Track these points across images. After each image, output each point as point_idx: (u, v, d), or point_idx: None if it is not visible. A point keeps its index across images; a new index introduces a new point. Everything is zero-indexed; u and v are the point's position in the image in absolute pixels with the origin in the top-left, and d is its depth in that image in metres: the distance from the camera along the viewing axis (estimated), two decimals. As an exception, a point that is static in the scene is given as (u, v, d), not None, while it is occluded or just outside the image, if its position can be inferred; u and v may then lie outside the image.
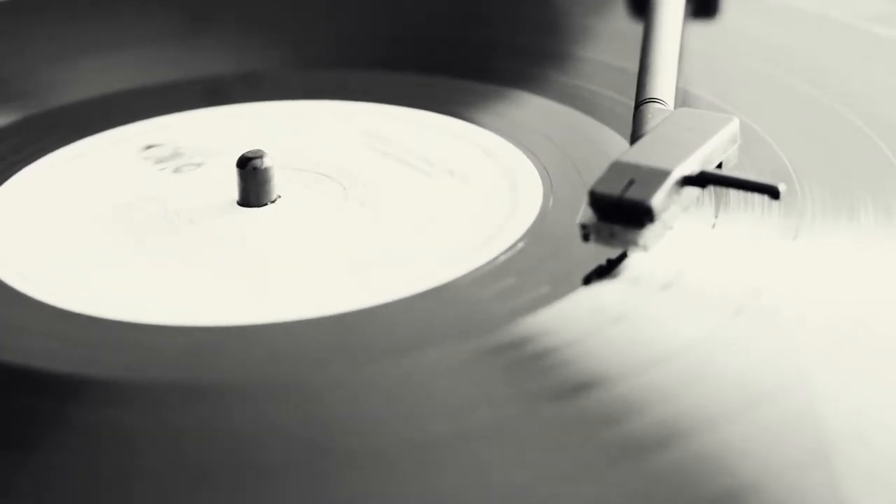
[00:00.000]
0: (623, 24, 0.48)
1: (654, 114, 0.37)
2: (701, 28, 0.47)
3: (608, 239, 0.33)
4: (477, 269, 0.34)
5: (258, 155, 0.38)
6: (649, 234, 0.33)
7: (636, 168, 0.34)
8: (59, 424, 0.30)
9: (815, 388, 0.30)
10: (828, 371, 0.31)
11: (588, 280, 0.33)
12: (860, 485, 0.27)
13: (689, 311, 0.33)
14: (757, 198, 0.36)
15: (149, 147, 0.42)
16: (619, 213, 0.33)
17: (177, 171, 0.40)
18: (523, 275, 0.34)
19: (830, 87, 0.42)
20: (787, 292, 0.33)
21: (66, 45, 0.48)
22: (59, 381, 0.31)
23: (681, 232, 0.35)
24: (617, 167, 0.34)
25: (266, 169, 0.38)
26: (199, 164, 0.41)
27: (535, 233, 0.36)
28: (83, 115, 0.44)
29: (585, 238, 0.33)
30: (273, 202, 0.38)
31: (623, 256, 0.34)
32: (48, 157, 0.41)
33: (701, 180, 0.34)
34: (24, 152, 0.42)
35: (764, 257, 0.34)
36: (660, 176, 0.33)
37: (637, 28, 0.44)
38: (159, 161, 0.41)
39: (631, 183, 0.33)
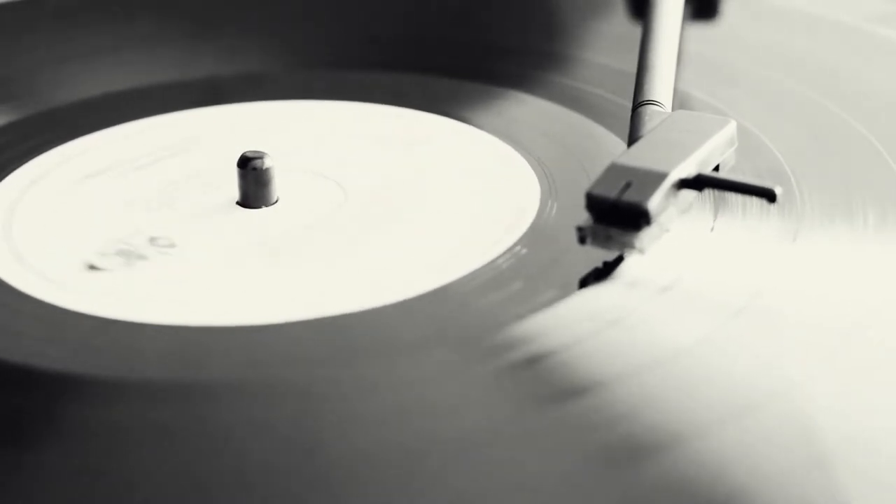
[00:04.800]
0: (622, 26, 0.48)
1: (651, 116, 0.37)
2: (699, 29, 0.47)
3: (605, 241, 0.33)
4: (475, 272, 0.34)
5: (258, 155, 0.38)
6: (646, 236, 0.33)
7: (633, 170, 0.34)
8: (56, 423, 0.30)
9: (814, 390, 0.30)
10: (827, 373, 0.31)
11: (584, 283, 0.34)
12: (859, 486, 0.27)
13: (687, 314, 0.33)
14: (755, 200, 0.36)
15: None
16: (616, 216, 0.33)
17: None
18: (521, 277, 0.34)
19: (828, 88, 0.42)
20: (786, 295, 0.33)
21: (66, 46, 0.48)
22: (55, 380, 0.31)
23: (679, 235, 0.35)
24: (614, 169, 0.34)
25: (266, 169, 0.38)
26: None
27: (534, 235, 0.36)
28: (83, 115, 0.44)
29: (582, 240, 0.33)
30: (273, 203, 0.38)
31: (620, 259, 0.34)
32: (47, 155, 0.41)
33: (698, 183, 0.34)
34: (25, 150, 0.42)
35: (762, 260, 0.34)
36: (657, 178, 0.33)
37: (636, 30, 0.44)
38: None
39: (628, 185, 0.33)
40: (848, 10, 0.48)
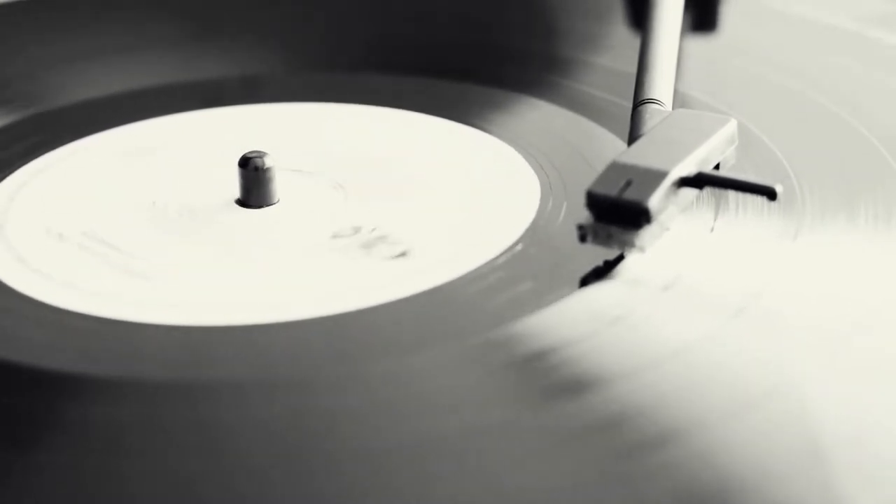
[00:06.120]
0: (622, 28, 0.48)
1: (652, 114, 0.37)
2: (699, 33, 0.48)
3: (605, 240, 0.33)
4: (475, 271, 0.34)
5: (259, 155, 0.38)
6: (646, 235, 0.33)
7: (634, 169, 0.34)
8: (56, 423, 0.30)
9: (814, 389, 0.30)
10: (827, 372, 0.31)
11: (585, 281, 0.34)
12: (859, 485, 0.27)
13: (688, 313, 0.33)
14: (756, 199, 0.36)
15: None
16: (617, 214, 0.33)
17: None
18: (522, 276, 0.34)
19: (828, 88, 0.42)
20: (787, 293, 0.33)
21: (67, 48, 0.48)
22: (55, 380, 0.31)
23: (680, 233, 0.35)
24: (614, 168, 0.34)
25: (267, 169, 0.38)
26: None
27: (534, 234, 0.36)
28: (83, 116, 0.44)
29: (582, 239, 0.33)
30: (273, 203, 0.38)
31: (620, 258, 0.34)
32: (48, 155, 0.41)
33: (698, 181, 0.34)
34: (24, 151, 0.42)
35: (763, 258, 0.35)
36: (657, 177, 0.33)
37: (636, 32, 0.44)
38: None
39: (628, 184, 0.33)
40: (847, 10, 0.48)
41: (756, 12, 0.49)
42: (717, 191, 0.36)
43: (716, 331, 0.32)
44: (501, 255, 0.35)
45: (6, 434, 0.30)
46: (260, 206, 0.38)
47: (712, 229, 0.36)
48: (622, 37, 0.47)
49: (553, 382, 0.30)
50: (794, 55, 0.45)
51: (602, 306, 0.33)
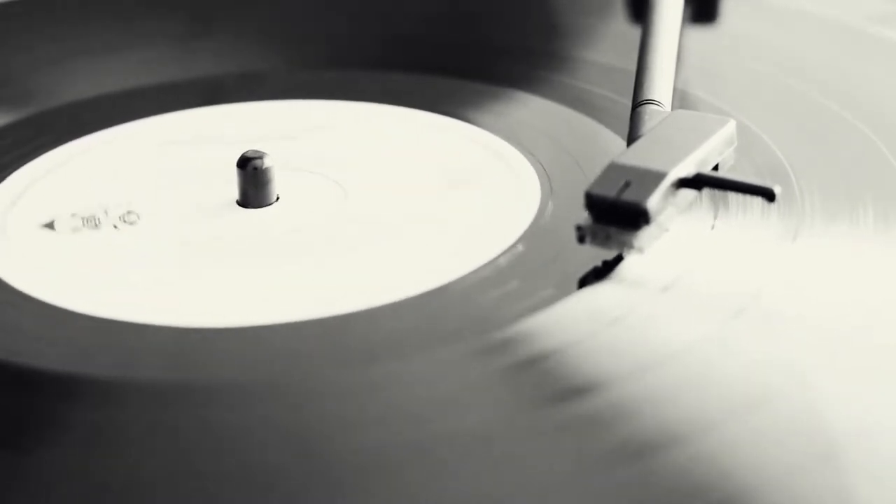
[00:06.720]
0: (622, 26, 0.48)
1: (651, 115, 0.37)
2: (699, 29, 0.48)
3: (604, 241, 0.33)
4: (475, 271, 0.34)
5: (259, 155, 0.38)
6: (645, 236, 0.33)
7: (632, 170, 0.34)
8: (56, 424, 0.30)
9: (814, 389, 0.30)
10: (827, 373, 0.31)
11: (584, 282, 0.34)
12: (858, 487, 0.27)
13: (687, 314, 0.33)
14: (755, 200, 0.36)
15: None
16: (615, 215, 0.33)
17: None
18: (521, 276, 0.34)
19: (829, 87, 0.42)
20: (786, 294, 0.33)
21: (66, 47, 0.48)
22: (55, 380, 0.31)
23: (679, 234, 0.35)
24: (613, 169, 0.34)
25: (266, 169, 0.38)
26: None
27: (534, 235, 0.36)
28: (83, 115, 0.44)
29: (581, 240, 0.33)
30: (273, 203, 0.38)
31: (619, 258, 0.34)
32: (47, 155, 0.41)
33: (697, 182, 0.34)
34: (25, 151, 0.42)
35: (763, 259, 0.35)
36: (656, 178, 0.33)
37: (636, 29, 0.44)
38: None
39: (627, 185, 0.33)
40: (848, 9, 0.48)
41: (757, 10, 0.49)
42: (716, 192, 0.36)
43: (715, 332, 0.32)
44: (501, 255, 0.35)
45: (6, 434, 0.30)
46: (259, 207, 0.38)
47: (712, 227, 0.36)
48: (623, 34, 0.47)
49: (552, 383, 0.30)
50: (796, 54, 0.45)
51: (601, 307, 0.33)
